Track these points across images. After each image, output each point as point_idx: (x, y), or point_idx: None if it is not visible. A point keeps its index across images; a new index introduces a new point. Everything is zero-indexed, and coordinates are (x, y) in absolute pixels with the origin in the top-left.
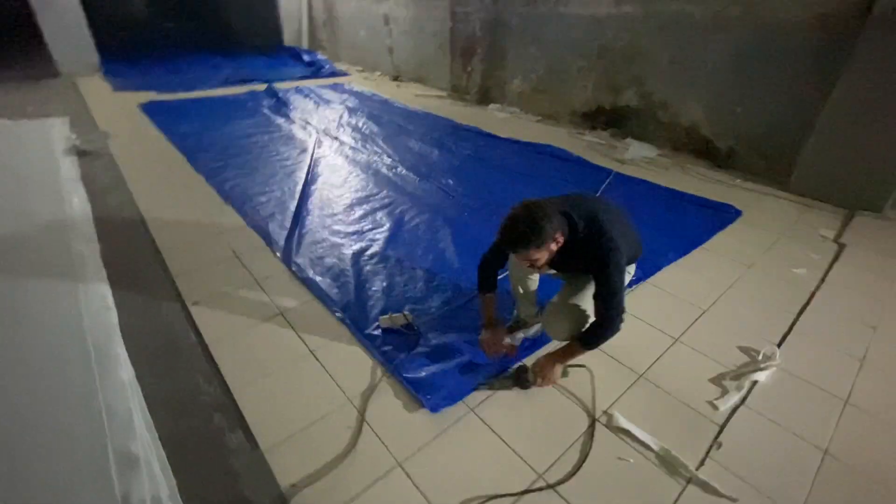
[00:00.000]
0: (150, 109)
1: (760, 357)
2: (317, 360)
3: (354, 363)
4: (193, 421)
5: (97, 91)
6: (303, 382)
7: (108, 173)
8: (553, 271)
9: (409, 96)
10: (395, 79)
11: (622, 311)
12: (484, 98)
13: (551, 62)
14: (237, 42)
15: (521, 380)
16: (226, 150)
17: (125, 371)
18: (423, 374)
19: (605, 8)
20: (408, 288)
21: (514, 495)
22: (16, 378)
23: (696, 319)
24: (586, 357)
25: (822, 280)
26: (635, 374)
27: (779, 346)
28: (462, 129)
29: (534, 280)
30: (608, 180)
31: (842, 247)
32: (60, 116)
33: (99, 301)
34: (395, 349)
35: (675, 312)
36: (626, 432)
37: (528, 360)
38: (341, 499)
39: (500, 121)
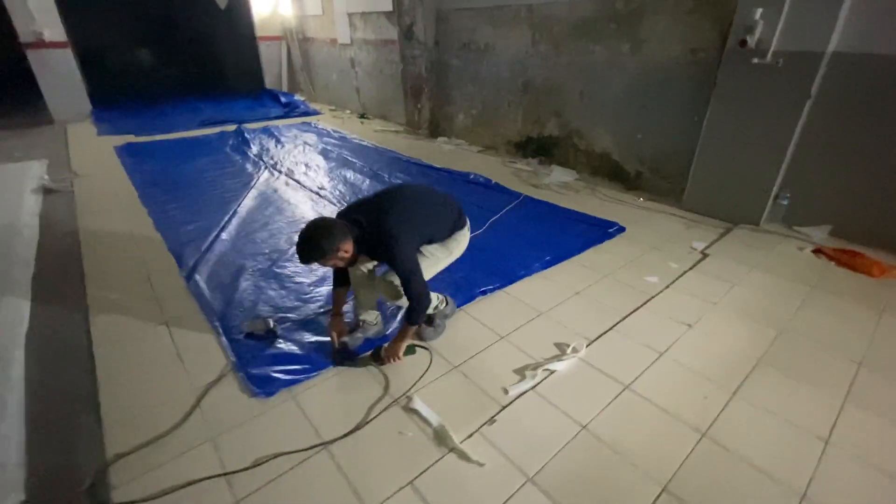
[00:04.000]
0: (123, 151)
1: (569, 351)
2: (180, 359)
3: (211, 361)
4: (60, 406)
5: (83, 135)
6: (161, 377)
7: (64, 208)
8: (374, 262)
9: (369, 132)
10: (362, 116)
11: (422, 286)
12: (434, 132)
13: (486, 98)
14: (224, 86)
15: (376, 357)
16: (175, 185)
17: (16, 369)
18: (264, 369)
19: (524, 48)
20: (284, 298)
21: (296, 452)
22: None
23: (530, 321)
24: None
25: (667, 287)
26: (450, 364)
27: (592, 342)
28: (402, 161)
29: (370, 286)
30: (514, 203)
31: (704, 257)
32: (41, 160)
33: (14, 313)
34: (250, 350)
35: (511, 315)
36: (416, 412)
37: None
38: (152, 463)
39: (444, 152)
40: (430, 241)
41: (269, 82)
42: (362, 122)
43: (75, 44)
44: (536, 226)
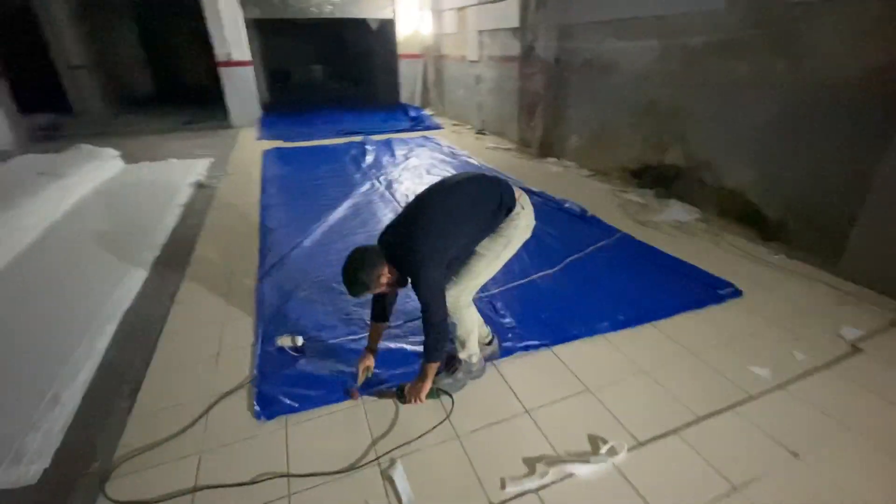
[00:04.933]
0: (269, 154)
1: (603, 450)
2: (216, 361)
3: (240, 369)
4: (110, 385)
5: (247, 139)
6: (195, 376)
7: (204, 202)
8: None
9: (480, 148)
10: (480, 132)
11: (443, 316)
12: (545, 151)
13: (604, 119)
14: (369, 100)
15: (399, 395)
16: (291, 190)
17: (102, 342)
18: (275, 389)
19: (651, 65)
20: (329, 316)
21: (248, 484)
22: (48, 316)
23: (568, 397)
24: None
25: (780, 386)
26: (454, 431)
27: (639, 447)
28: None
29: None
30: (605, 241)
31: (854, 352)
32: (208, 158)
33: (125, 292)
34: (274, 364)
35: (550, 384)
36: (392, 482)
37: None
38: (147, 464)
39: (549, 174)
40: (470, 245)
41: (404, 97)
42: (477, 138)
43: (264, 62)
44: (623, 272)
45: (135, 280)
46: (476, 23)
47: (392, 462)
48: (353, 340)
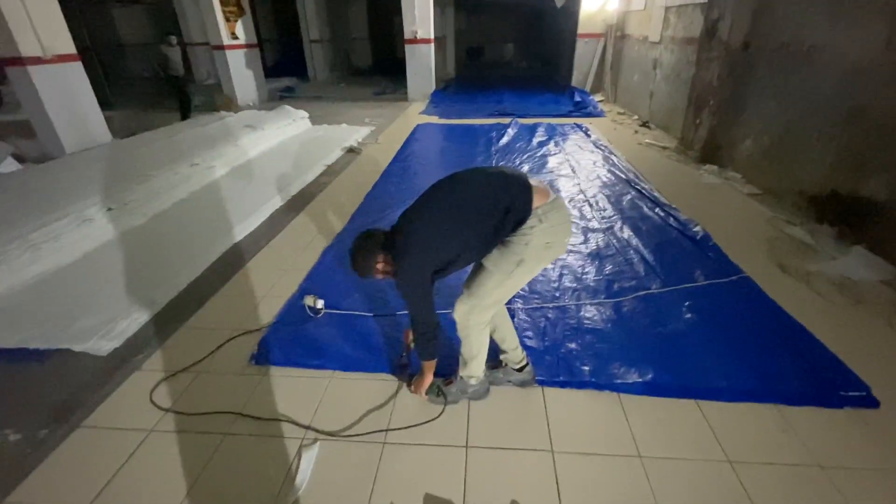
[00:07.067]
0: (419, 129)
1: None
2: (261, 301)
3: (270, 313)
4: (191, 296)
5: (412, 113)
6: (239, 308)
7: (343, 166)
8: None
9: (632, 144)
10: (644, 125)
11: (424, 314)
12: (707, 156)
13: (790, 122)
14: (544, 81)
15: (409, 383)
16: (412, 167)
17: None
18: (277, 340)
19: (871, 52)
20: (356, 287)
21: (201, 414)
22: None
23: (528, 450)
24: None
25: None
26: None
27: None
28: (627, 183)
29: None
30: (709, 281)
31: None
32: (370, 127)
33: (250, 222)
34: (294, 318)
35: (520, 427)
36: (298, 459)
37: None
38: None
39: (699, 186)
40: (470, 254)
41: (575, 79)
42: (637, 132)
43: (457, 40)
44: (703, 327)
45: (260, 217)
46: None
47: (314, 441)
48: (366, 316)
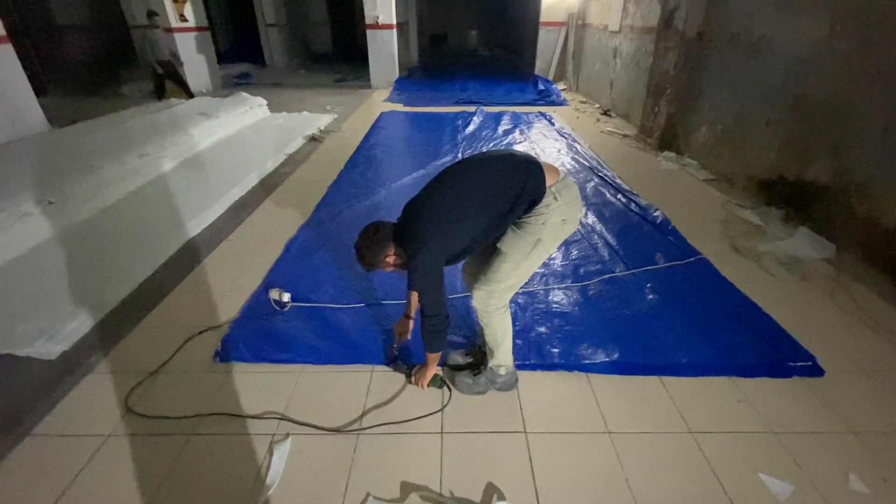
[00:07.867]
0: (383, 117)
1: None
2: (223, 296)
3: (232, 309)
4: (146, 293)
5: (375, 101)
6: (200, 304)
7: (304, 155)
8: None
9: (594, 132)
10: (605, 113)
11: (436, 307)
12: (665, 143)
13: (741, 110)
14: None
15: (408, 374)
16: (377, 154)
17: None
18: (241, 335)
19: (813, 45)
20: (326, 278)
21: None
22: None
23: (503, 433)
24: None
25: None
26: (386, 428)
27: None
28: (590, 170)
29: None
30: (664, 264)
31: None
32: (332, 114)
33: (205, 216)
34: (258, 313)
35: (492, 415)
36: (270, 454)
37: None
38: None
39: (657, 172)
40: (484, 238)
41: (538, 68)
42: (598, 120)
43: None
44: (668, 306)
45: (218, 210)
46: None
47: (287, 435)
48: (336, 309)
